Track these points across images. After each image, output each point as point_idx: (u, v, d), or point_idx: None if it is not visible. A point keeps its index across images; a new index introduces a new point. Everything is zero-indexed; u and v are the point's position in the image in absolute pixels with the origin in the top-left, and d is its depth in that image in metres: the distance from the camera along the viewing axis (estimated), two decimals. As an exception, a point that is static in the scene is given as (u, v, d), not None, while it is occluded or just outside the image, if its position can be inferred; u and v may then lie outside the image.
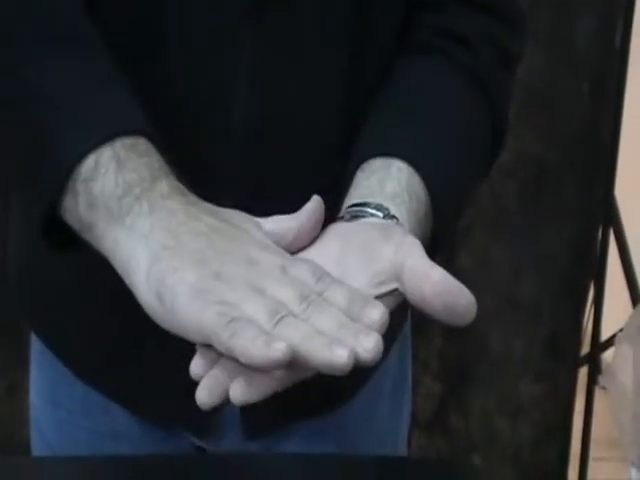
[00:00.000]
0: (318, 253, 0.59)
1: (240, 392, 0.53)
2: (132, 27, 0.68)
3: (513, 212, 1.58)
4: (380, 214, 0.62)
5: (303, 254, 0.60)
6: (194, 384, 0.74)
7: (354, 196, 0.64)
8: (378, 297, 0.57)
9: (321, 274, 0.56)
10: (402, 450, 0.89)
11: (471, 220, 1.55)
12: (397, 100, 0.70)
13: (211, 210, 0.59)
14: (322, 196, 0.63)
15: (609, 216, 1.76)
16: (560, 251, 1.61)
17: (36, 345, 0.83)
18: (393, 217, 0.62)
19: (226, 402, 0.54)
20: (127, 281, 0.58)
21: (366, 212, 0.62)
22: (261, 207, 0.64)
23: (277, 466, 0.54)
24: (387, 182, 0.64)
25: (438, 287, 0.55)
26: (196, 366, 0.55)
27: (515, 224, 1.58)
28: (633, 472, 1.27)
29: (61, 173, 0.58)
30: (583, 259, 1.64)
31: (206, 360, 0.54)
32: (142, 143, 0.59)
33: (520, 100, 1.51)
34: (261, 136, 0.69)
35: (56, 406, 0.81)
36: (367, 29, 0.70)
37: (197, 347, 0.55)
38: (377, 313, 0.54)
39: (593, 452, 1.79)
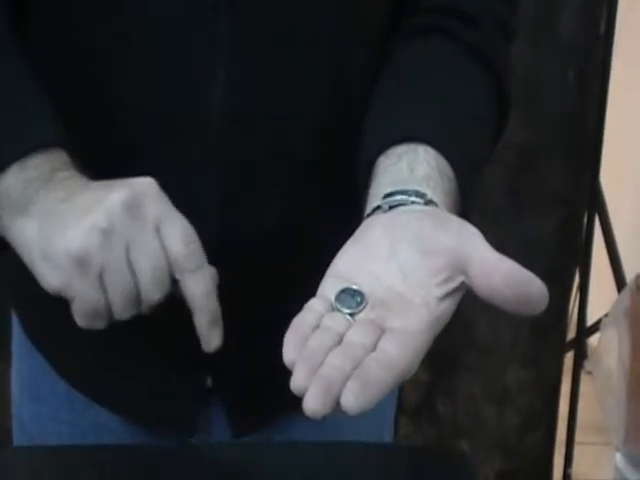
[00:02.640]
0: (367, 250, 0.57)
1: (354, 398, 0.50)
2: (98, 24, 0.67)
3: (499, 198, 1.58)
4: (421, 200, 0.59)
5: (351, 251, 0.58)
6: (180, 384, 0.74)
7: (384, 183, 0.62)
8: (446, 295, 0.55)
9: (193, 248, 0.59)
10: (388, 440, 0.89)
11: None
12: (403, 83, 0.69)
13: (107, 183, 0.61)
14: (305, 185, 0.63)
15: (594, 202, 1.76)
16: (546, 237, 1.61)
17: (18, 339, 0.82)
18: (431, 201, 0.60)
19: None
20: (28, 263, 0.61)
21: (406, 200, 0.59)
22: (243, 198, 0.64)
23: (264, 454, 0.54)
24: (417, 165, 0.62)
25: (509, 279, 0.54)
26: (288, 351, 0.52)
27: (501, 210, 1.59)
28: (618, 457, 1.28)
29: None
30: (568, 245, 1.65)
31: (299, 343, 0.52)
32: (45, 152, 0.62)
33: (513, 84, 1.51)
34: (240, 128, 0.68)
35: (38, 400, 0.80)
36: (351, 16, 0.70)
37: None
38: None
39: (578, 437, 1.80)
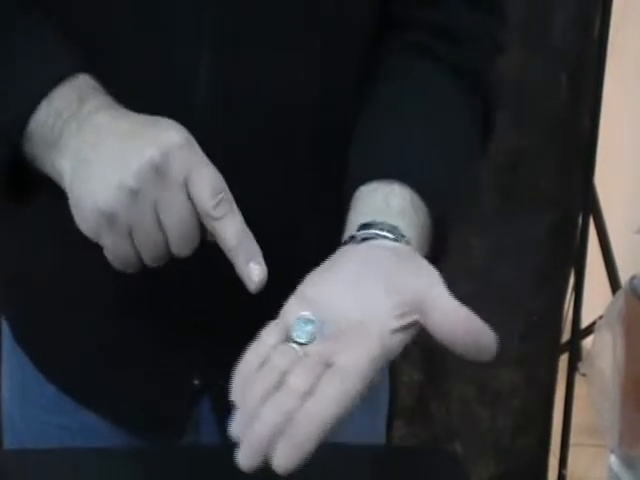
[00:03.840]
0: (334, 278, 0.59)
1: (283, 460, 0.53)
2: (84, 11, 0.67)
3: (492, 201, 1.58)
4: (391, 236, 0.62)
5: (317, 277, 0.60)
6: (168, 385, 0.74)
7: (362, 212, 0.64)
8: (400, 329, 0.57)
9: (221, 198, 0.60)
10: (381, 442, 0.89)
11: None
12: (388, 114, 0.70)
13: (137, 115, 0.63)
14: (288, 176, 0.64)
15: (589, 204, 1.76)
16: (540, 239, 1.61)
17: (7, 341, 0.82)
18: (403, 237, 0.62)
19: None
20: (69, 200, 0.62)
21: (377, 235, 0.62)
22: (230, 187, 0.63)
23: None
24: (393, 198, 0.64)
25: (464, 327, 0.56)
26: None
27: (494, 213, 1.59)
28: (612, 458, 1.28)
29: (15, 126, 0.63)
30: (563, 247, 1.65)
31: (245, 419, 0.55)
32: (70, 80, 0.63)
33: (499, 90, 1.51)
34: (223, 120, 0.68)
35: (28, 403, 0.80)
36: (337, 15, 0.69)
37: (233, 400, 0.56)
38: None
39: (573, 439, 1.80)
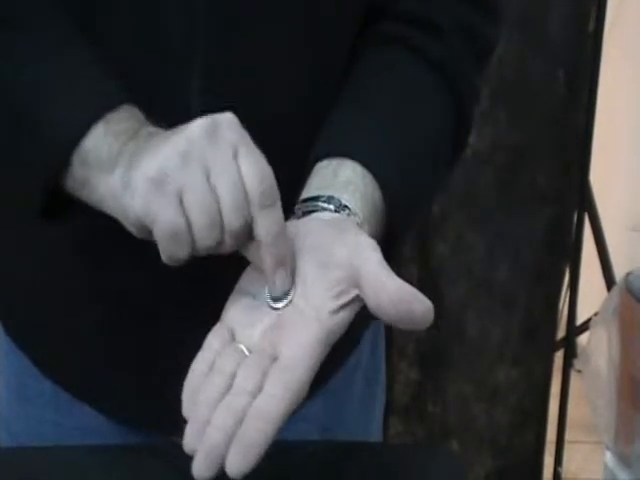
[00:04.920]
0: None
1: (236, 464, 0.54)
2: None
3: (488, 197, 1.58)
4: (331, 207, 0.61)
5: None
6: (164, 383, 0.74)
7: (310, 187, 0.64)
8: (339, 308, 0.57)
9: (268, 186, 0.58)
10: (377, 439, 0.88)
11: (446, 206, 1.55)
12: (360, 99, 0.70)
13: None
14: (283, 172, 0.63)
15: (584, 201, 1.77)
16: (535, 236, 1.61)
17: (3, 339, 0.82)
18: (345, 207, 0.61)
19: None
20: (113, 214, 0.61)
21: (317, 206, 0.61)
22: None
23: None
24: (343, 170, 0.64)
25: (394, 297, 0.56)
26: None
27: (490, 209, 1.59)
28: (608, 455, 1.28)
29: (62, 147, 0.61)
30: (558, 244, 1.65)
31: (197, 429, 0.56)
32: (125, 108, 0.62)
33: (495, 86, 1.51)
34: (218, 103, 0.67)
35: (24, 400, 0.80)
36: (332, 13, 0.69)
37: (183, 413, 0.57)
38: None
39: (568, 436, 1.81)
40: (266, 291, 0.59)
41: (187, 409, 0.56)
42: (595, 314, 1.64)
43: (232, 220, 0.58)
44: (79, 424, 0.78)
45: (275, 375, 0.55)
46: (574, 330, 1.85)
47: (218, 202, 0.58)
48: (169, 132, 0.60)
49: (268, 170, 0.59)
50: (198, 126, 0.59)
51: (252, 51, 0.67)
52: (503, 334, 1.62)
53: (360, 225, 0.61)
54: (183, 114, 0.64)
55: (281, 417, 0.54)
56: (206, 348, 0.58)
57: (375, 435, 0.87)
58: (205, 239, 0.58)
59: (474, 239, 1.59)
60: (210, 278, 0.65)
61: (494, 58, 0.76)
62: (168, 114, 0.66)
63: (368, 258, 0.58)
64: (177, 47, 0.66)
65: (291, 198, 0.70)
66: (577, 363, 1.92)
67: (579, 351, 2.04)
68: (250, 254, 0.61)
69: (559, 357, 1.79)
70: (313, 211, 0.62)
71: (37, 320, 0.78)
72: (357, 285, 0.57)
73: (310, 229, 0.60)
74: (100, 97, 0.62)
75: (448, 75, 0.71)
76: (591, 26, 1.59)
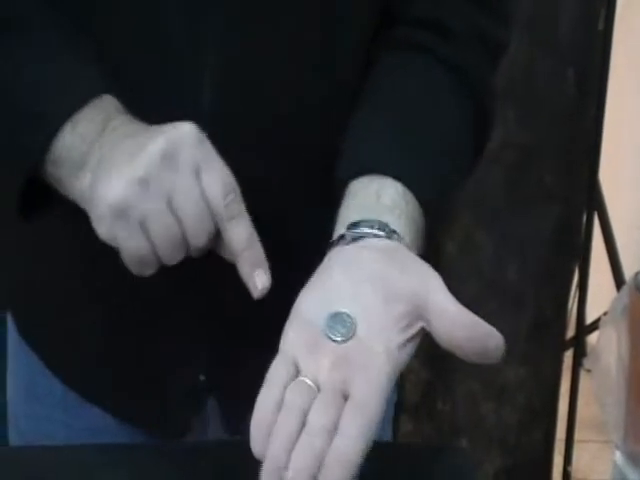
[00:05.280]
0: (330, 293, 0.58)
1: None
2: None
3: (497, 197, 1.58)
4: (382, 233, 0.60)
5: (312, 293, 0.58)
6: (173, 384, 0.74)
7: (352, 208, 0.63)
8: (407, 341, 0.56)
9: (232, 197, 0.59)
10: (386, 438, 0.89)
11: (455, 206, 1.55)
12: (382, 107, 0.69)
13: (151, 130, 0.62)
14: (297, 177, 0.63)
15: (593, 200, 1.76)
16: (545, 235, 1.61)
17: (13, 339, 0.82)
18: (394, 232, 0.60)
19: None
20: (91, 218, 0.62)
21: (368, 233, 0.60)
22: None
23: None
24: (385, 191, 0.63)
25: (469, 333, 0.56)
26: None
27: (500, 209, 1.59)
28: (617, 454, 1.28)
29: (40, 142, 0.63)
30: (568, 243, 1.65)
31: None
32: (94, 104, 0.63)
33: (504, 85, 1.51)
34: (226, 127, 0.68)
35: (34, 401, 0.81)
36: (340, 15, 0.69)
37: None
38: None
39: (577, 434, 1.81)
40: (325, 322, 0.57)
41: (259, 447, 0.54)
42: (604, 313, 1.63)
43: (196, 239, 0.60)
44: (87, 424, 0.78)
45: (350, 415, 0.54)
46: (583, 329, 1.85)
47: (181, 224, 0.59)
48: (132, 135, 0.61)
49: (230, 180, 0.61)
50: (156, 151, 0.59)
51: (254, 51, 0.68)
52: (512, 333, 1.62)
53: (409, 249, 0.61)
54: (183, 114, 0.64)
55: (360, 458, 0.53)
56: (271, 382, 0.56)
57: (385, 434, 0.88)
58: (171, 259, 0.61)
59: (483, 239, 1.59)
60: (210, 276, 0.65)
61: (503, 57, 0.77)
62: (168, 114, 0.67)
63: (435, 291, 0.57)
64: (177, 47, 0.67)
65: (293, 196, 0.71)
66: (586, 362, 1.91)
67: (588, 350, 2.04)
68: (223, 251, 0.62)
69: (568, 356, 1.79)
70: (363, 236, 0.60)
71: (46, 320, 0.78)
72: (422, 318, 0.56)
73: (368, 261, 0.58)
74: (67, 98, 0.63)
75: (467, 80, 0.71)
76: (600, 26, 1.59)
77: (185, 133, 0.60)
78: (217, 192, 0.60)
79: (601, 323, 1.67)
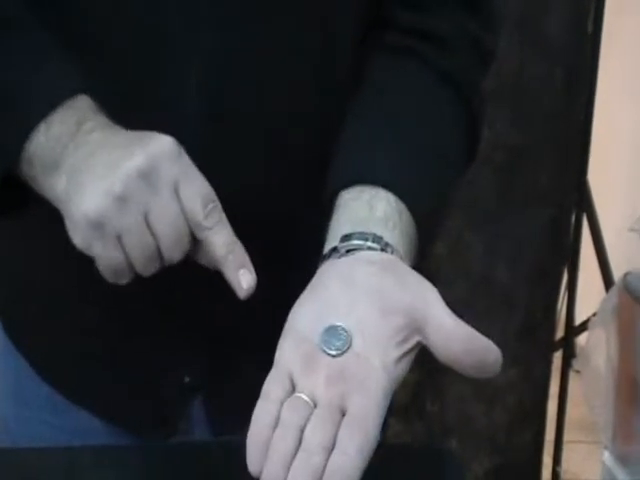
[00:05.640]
0: (326, 307, 0.57)
1: None
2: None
3: (487, 198, 1.58)
4: (376, 246, 0.59)
5: (306, 307, 0.58)
6: (159, 384, 0.74)
7: (343, 220, 0.62)
8: (404, 355, 0.56)
9: (211, 208, 0.60)
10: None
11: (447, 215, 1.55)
12: (374, 116, 0.69)
13: (132, 132, 0.62)
14: (283, 181, 0.62)
15: (582, 201, 1.77)
16: (534, 236, 1.62)
17: (1, 340, 0.82)
18: (388, 245, 0.60)
19: None
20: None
21: (362, 245, 0.59)
22: (221, 184, 0.63)
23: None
24: (378, 203, 0.62)
25: (468, 347, 0.55)
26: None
27: (489, 210, 1.59)
28: (606, 455, 1.28)
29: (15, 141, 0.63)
30: (557, 244, 1.65)
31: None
32: (68, 105, 0.63)
33: (493, 86, 1.52)
34: (217, 126, 0.68)
35: (22, 403, 0.80)
36: (327, 24, 0.69)
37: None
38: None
39: (567, 435, 1.81)
40: (319, 336, 0.56)
41: (256, 465, 0.53)
42: (594, 314, 1.64)
43: (171, 254, 0.61)
44: (75, 426, 0.78)
45: (348, 432, 0.53)
46: (573, 330, 1.86)
47: (157, 240, 0.60)
48: (109, 144, 0.61)
49: (209, 191, 0.61)
50: (135, 168, 0.59)
51: (251, 53, 0.67)
52: (502, 334, 1.62)
53: (404, 262, 0.60)
54: (181, 127, 0.64)
55: (358, 475, 0.52)
56: (267, 397, 0.55)
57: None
58: (145, 270, 0.61)
59: (473, 239, 1.60)
60: (200, 282, 0.65)
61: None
62: (162, 114, 0.66)
63: (432, 304, 0.56)
64: (174, 63, 0.67)
65: (287, 198, 0.71)
66: (576, 363, 1.92)
67: (578, 351, 2.04)
68: (201, 258, 0.63)
69: (558, 357, 1.79)
70: (357, 249, 0.59)
71: (33, 322, 0.78)
72: (419, 331, 0.56)
73: (363, 271, 0.58)
74: (41, 98, 0.63)
75: (458, 86, 0.70)
76: (589, 27, 1.59)
77: (163, 148, 0.61)
78: (196, 206, 0.60)
79: (590, 324, 1.68)
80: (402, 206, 0.63)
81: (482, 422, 1.67)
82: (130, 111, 0.65)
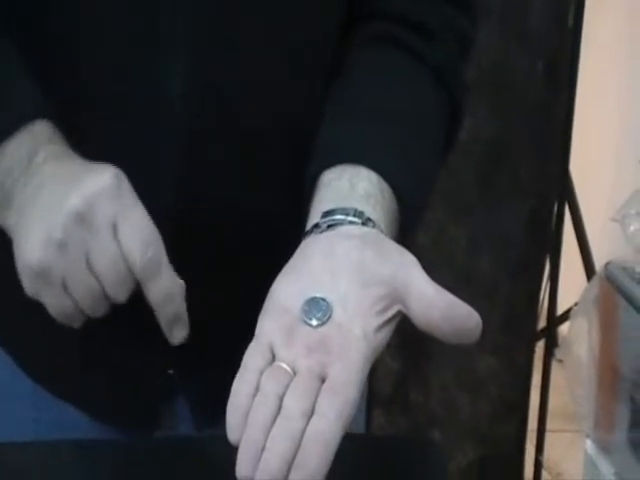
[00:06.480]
0: (307, 280, 0.57)
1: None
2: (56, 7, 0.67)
3: (469, 189, 1.59)
4: (358, 220, 0.59)
5: (287, 280, 0.58)
6: (143, 378, 0.74)
7: (325, 199, 0.62)
8: (384, 324, 0.56)
9: (151, 254, 0.59)
10: (358, 430, 0.89)
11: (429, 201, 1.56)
12: (356, 101, 0.69)
13: (79, 163, 0.62)
14: (265, 169, 0.62)
15: (564, 192, 1.78)
16: (516, 227, 1.62)
17: None
18: (370, 220, 0.60)
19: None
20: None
21: (343, 220, 0.59)
22: (204, 181, 0.63)
23: (228, 447, 0.54)
24: (359, 181, 0.62)
25: (447, 313, 0.55)
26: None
27: (471, 201, 1.60)
28: (588, 443, 1.29)
29: None
30: (539, 235, 1.66)
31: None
32: (18, 138, 0.63)
33: (475, 79, 1.52)
34: (198, 107, 0.67)
35: (3, 399, 0.80)
36: (312, 10, 0.69)
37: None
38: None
39: (549, 424, 1.82)
40: (300, 307, 0.56)
41: (235, 432, 0.53)
42: (575, 304, 1.65)
43: (116, 295, 0.61)
44: (58, 419, 0.78)
45: (327, 397, 0.53)
46: (555, 320, 1.86)
47: (101, 282, 0.60)
48: (55, 184, 0.61)
49: (149, 230, 0.60)
50: (71, 211, 0.59)
51: (235, 48, 0.67)
52: (485, 325, 1.63)
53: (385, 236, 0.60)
54: (166, 113, 0.64)
55: (338, 440, 0.52)
56: (247, 367, 0.55)
57: (358, 426, 0.88)
58: (95, 312, 0.61)
59: (455, 230, 1.60)
60: (188, 278, 0.65)
61: (474, 50, 0.77)
62: (147, 118, 0.66)
63: (413, 274, 0.56)
64: (159, 48, 0.66)
65: (268, 194, 0.71)
66: (558, 352, 1.93)
67: (560, 341, 2.06)
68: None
69: (540, 347, 1.80)
70: (338, 224, 0.60)
71: (15, 317, 0.78)
72: (400, 301, 0.56)
73: (344, 247, 0.58)
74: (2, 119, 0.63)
75: (440, 74, 0.71)
76: (570, 19, 1.60)
77: (100, 185, 0.60)
78: (135, 249, 0.59)
79: (572, 313, 1.69)
80: (384, 185, 0.63)
81: (465, 412, 1.68)
82: (113, 96, 0.65)
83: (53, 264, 0.59)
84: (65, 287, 0.60)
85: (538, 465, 1.81)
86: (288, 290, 0.57)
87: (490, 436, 1.70)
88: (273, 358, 0.56)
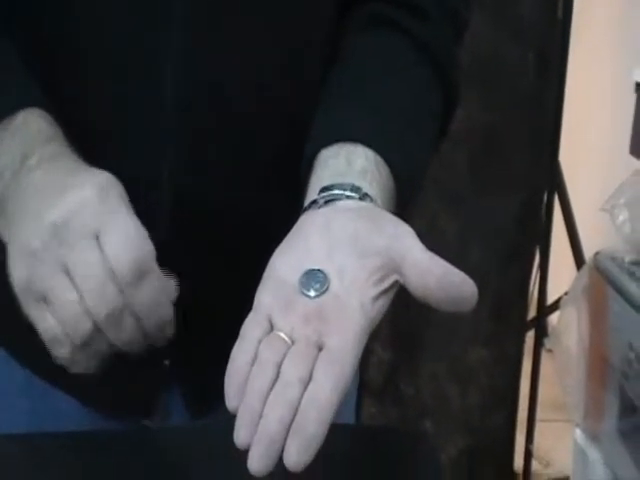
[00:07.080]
0: (304, 253, 0.58)
1: (296, 456, 0.51)
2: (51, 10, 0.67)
3: (460, 180, 1.59)
4: (356, 195, 0.60)
5: (285, 253, 0.58)
6: (137, 367, 0.74)
7: (323, 176, 0.62)
8: (381, 294, 0.57)
9: (138, 266, 0.57)
10: (349, 421, 0.89)
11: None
12: (353, 82, 0.69)
13: (70, 167, 0.61)
14: (259, 159, 0.62)
15: (554, 182, 1.78)
16: (506, 217, 1.63)
17: None
18: (367, 195, 0.60)
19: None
20: None
21: (340, 195, 0.60)
22: (203, 181, 0.63)
23: (222, 436, 0.55)
24: (356, 158, 0.63)
25: (443, 281, 0.56)
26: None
27: (462, 191, 1.60)
28: (577, 433, 1.30)
29: None
30: (529, 225, 1.67)
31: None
32: (20, 117, 0.62)
33: (466, 69, 1.52)
34: (194, 106, 0.68)
35: None
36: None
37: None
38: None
39: (539, 414, 1.83)
40: (298, 279, 0.57)
41: (233, 400, 0.53)
42: (565, 293, 1.65)
43: (99, 311, 0.58)
44: (52, 410, 0.78)
45: (324, 365, 0.53)
46: (545, 310, 1.87)
47: (81, 294, 0.58)
48: (42, 192, 0.60)
49: (134, 240, 0.58)
50: (49, 224, 0.58)
51: (234, 48, 0.68)
52: (475, 315, 1.64)
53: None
54: (157, 100, 0.64)
55: (335, 407, 0.52)
56: (245, 337, 0.56)
57: (348, 416, 0.88)
58: (77, 333, 0.59)
59: (446, 220, 1.60)
60: (185, 270, 0.65)
61: (465, 41, 0.77)
62: (142, 117, 0.66)
63: (409, 244, 0.57)
64: (151, 34, 0.66)
65: (260, 192, 0.71)
66: (548, 342, 1.94)
67: (550, 330, 2.06)
68: None
69: (530, 337, 1.81)
70: (336, 199, 0.60)
71: (8, 306, 0.78)
72: (397, 270, 0.56)
73: (342, 220, 0.58)
74: None
75: (436, 57, 0.71)
76: (560, 10, 1.60)
77: (81, 196, 0.59)
78: (120, 258, 0.58)
79: (562, 303, 1.69)
80: (381, 162, 0.63)
81: (456, 402, 1.68)
82: (106, 81, 0.66)
83: (34, 279, 0.58)
84: (48, 303, 0.59)
85: (528, 454, 1.82)
86: (286, 263, 0.58)
87: (480, 426, 1.70)
88: (271, 328, 0.56)
